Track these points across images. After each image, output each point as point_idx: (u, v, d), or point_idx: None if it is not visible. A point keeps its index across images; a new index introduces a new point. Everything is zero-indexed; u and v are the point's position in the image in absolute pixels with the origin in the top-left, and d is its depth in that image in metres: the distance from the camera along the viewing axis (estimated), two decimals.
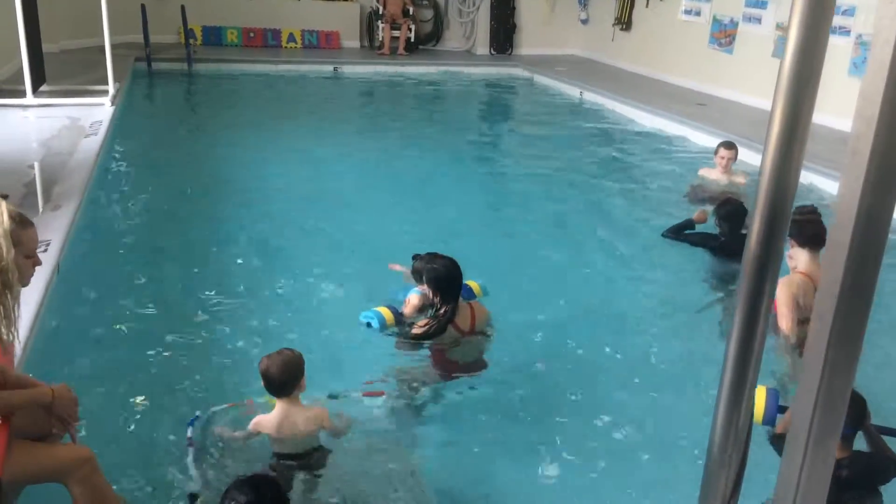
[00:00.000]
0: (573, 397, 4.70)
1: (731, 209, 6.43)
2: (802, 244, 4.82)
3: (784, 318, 4.62)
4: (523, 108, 14.49)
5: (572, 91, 14.26)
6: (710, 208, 6.90)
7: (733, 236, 6.18)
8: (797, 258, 4.86)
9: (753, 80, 12.58)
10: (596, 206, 8.34)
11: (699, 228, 6.88)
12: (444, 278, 4.63)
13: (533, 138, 11.56)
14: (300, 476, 3.72)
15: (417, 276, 4.79)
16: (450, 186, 8.99)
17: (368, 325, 4.93)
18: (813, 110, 1.24)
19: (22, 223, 3.08)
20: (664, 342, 5.39)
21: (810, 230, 4.76)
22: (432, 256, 4.75)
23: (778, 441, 3.24)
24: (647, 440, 4.30)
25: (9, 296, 3.02)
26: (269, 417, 3.73)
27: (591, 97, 13.72)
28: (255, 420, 3.77)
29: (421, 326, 4.71)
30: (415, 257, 4.92)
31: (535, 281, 6.35)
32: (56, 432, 3.32)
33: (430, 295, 4.70)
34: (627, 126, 12.15)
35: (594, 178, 9.40)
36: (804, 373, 1.19)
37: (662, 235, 7.03)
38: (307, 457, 3.77)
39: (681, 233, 6.89)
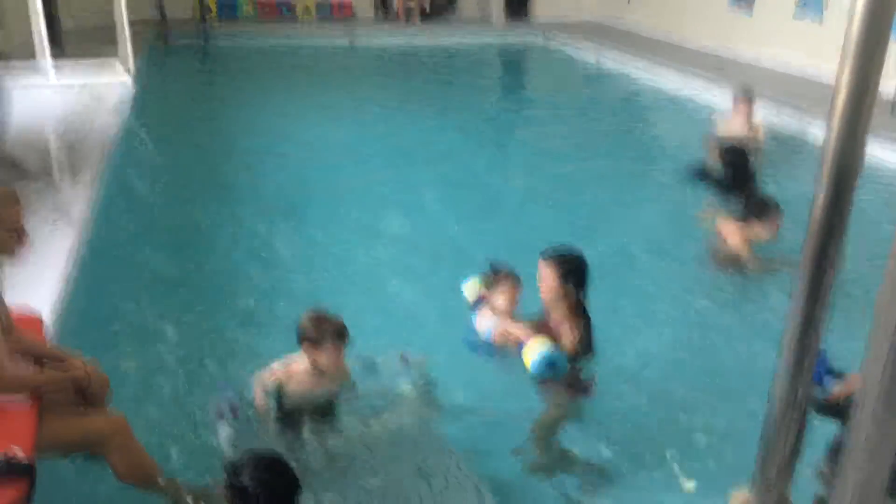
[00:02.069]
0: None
1: (736, 155, 6.65)
2: None
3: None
4: (539, 74, 14.36)
5: (588, 57, 14.10)
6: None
7: (738, 182, 6.49)
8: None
9: (773, 42, 12.38)
10: (618, 172, 8.27)
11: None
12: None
13: (549, 104, 11.46)
14: (312, 429, 3.74)
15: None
16: (465, 154, 8.93)
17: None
18: (880, 76, 1.20)
19: (3, 202, 3.05)
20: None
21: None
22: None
23: (825, 409, 3.18)
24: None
25: None
26: (300, 364, 3.72)
27: (607, 62, 13.56)
28: (285, 365, 3.76)
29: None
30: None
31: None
32: (84, 409, 3.34)
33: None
34: (645, 90, 12.02)
35: (613, 143, 9.33)
36: (872, 339, 1.16)
37: (686, 178, 7.18)
38: (324, 410, 3.80)
39: (696, 173, 7.08)
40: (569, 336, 3.81)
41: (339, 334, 3.63)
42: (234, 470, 2.78)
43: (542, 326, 3.93)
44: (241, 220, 6.75)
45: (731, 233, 5.78)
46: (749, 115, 8.17)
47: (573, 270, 3.89)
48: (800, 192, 7.58)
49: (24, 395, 3.03)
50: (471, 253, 6.25)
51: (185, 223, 6.64)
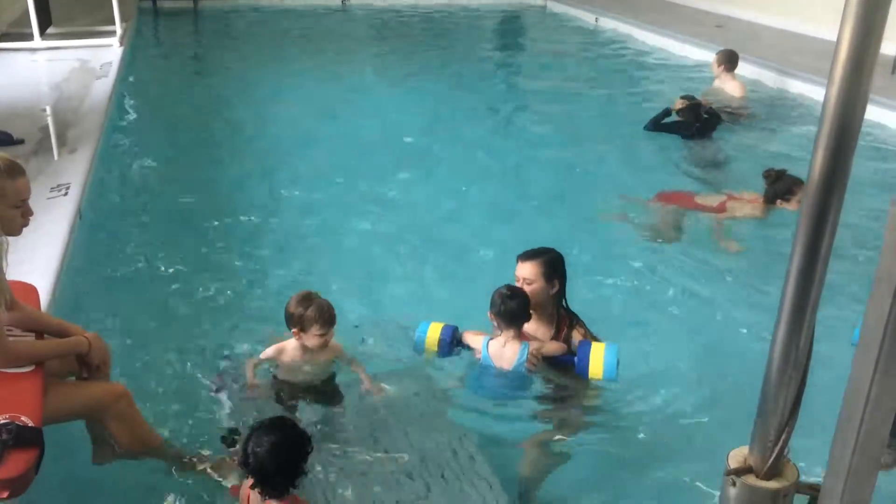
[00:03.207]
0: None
1: (691, 103, 7.69)
2: None
3: None
4: (537, 36, 14.22)
5: (587, 17, 13.96)
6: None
7: (701, 124, 7.59)
8: None
9: (773, 1, 12.26)
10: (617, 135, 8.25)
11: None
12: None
13: (548, 67, 11.37)
14: (309, 407, 3.76)
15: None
16: (461, 118, 8.89)
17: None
18: (882, 37, 1.19)
19: (10, 173, 2.96)
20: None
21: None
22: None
23: None
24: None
25: None
26: (290, 343, 3.75)
27: (606, 22, 13.43)
28: (275, 346, 3.78)
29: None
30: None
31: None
32: (86, 377, 3.36)
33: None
34: (645, 50, 11.92)
35: (612, 103, 9.28)
36: (875, 291, 1.17)
37: (645, 129, 7.86)
38: (320, 387, 3.82)
39: (659, 124, 7.82)
40: (580, 334, 3.84)
41: (325, 320, 3.63)
42: (248, 437, 2.78)
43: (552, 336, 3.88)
44: (239, 183, 6.74)
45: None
46: (731, 75, 8.88)
47: (556, 265, 3.88)
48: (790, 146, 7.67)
49: (28, 365, 3.05)
50: (467, 218, 6.27)
51: (182, 188, 6.62)
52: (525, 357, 3.71)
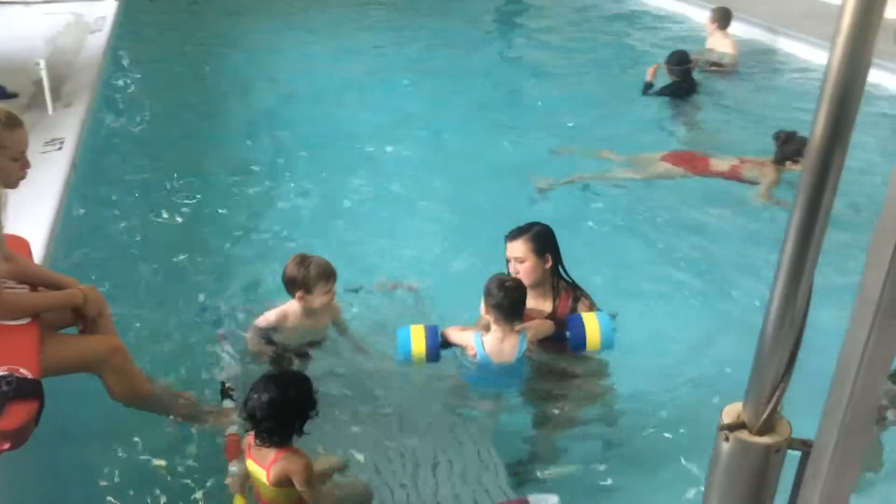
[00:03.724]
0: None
1: (681, 57, 7.85)
2: None
3: None
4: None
5: None
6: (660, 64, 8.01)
7: (688, 80, 7.81)
8: None
9: None
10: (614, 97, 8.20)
11: (663, 81, 7.87)
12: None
13: (541, 30, 11.24)
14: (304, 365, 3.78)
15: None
16: (456, 81, 8.80)
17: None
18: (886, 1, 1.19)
19: (9, 124, 2.95)
20: None
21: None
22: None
23: None
24: None
25: None
26: (291, 307, 3.75)
27: None
28: (277, 311, 3.76)
29: None
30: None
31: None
32: (81, 329, 3.37)
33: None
34: (639, 10, 11.81)
35: (609, 66, 9.22)
36: (873, 246, 1.17)
37: (643, 94, 7.91)
38: (314, 346, 3.83)
39: (649, 91, 7.90)
40: (585, 306, 3.70)
41: (328, 275, 3.63)
42: (251, 389, 2.80)
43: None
44: (234, 138, 6.71)
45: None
46: (724, 33, 9.00)
47: (546, 239, 3.73)
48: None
49: (25, 318, 3.05)
50: (464, 176, 6.24)
51: (177, 143, 6.60)
52: (525, 347, 3.52)
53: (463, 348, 3.57)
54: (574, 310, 3.72)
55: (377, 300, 4.33)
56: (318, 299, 3.65)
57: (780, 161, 6.02)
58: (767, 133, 6.26)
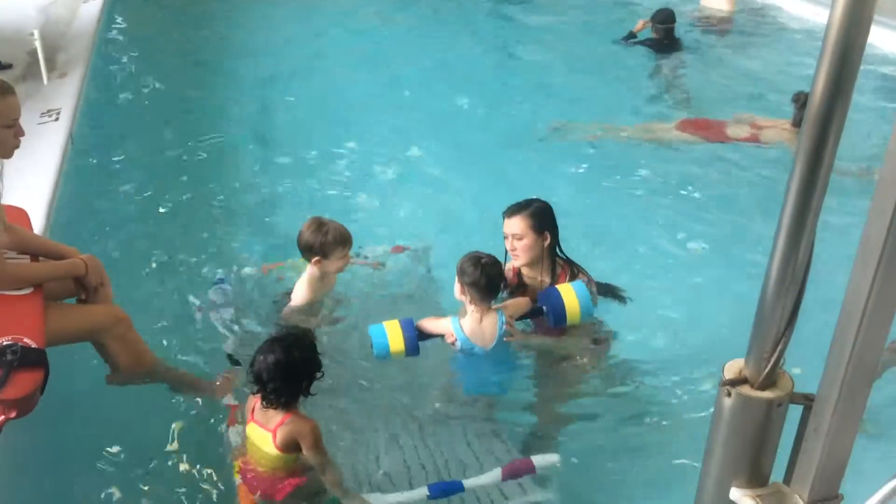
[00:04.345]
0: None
1: (666, 15, 7.92)
2: None
3: None
4: None
5: None
6: (648, 20, 8.11)
7: (670, 38, 7.88)
8: None
9: None
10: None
11: (644, 35, 8.09)
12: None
13: None
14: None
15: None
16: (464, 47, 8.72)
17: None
18: None
19: (1, 91, 2.92)
20: None
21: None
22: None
23: None
24: None
25: None
26: (308, 278, 3.72)
27: None
28: (301, 289, 3.72)
29: None
30: None
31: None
32: (84, 299, 3.38)
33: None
34: None
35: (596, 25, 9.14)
36: (877, 196, 1.17)
37: (616, 42, 8.13)
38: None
39: (630, 40, 8.15)
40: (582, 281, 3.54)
41: (346, 239, 3.62)
42: (257, 351, 2.81)
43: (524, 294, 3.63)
44: (231, 105, 6.66)
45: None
46: None
47: (545, 216, 3.59)
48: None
49: (27, 288, 3.06)
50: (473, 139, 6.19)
51: (174, 112, 6.56)
52: (503, 320, 3.38)
53: (441, 337, 3.41)
54: None
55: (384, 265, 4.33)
56: (334, 264, 3.65)
57: (799, 124, 5.86)
58: (753, 92, 6.19)
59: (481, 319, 3.36)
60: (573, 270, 3.66)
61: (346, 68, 7.68)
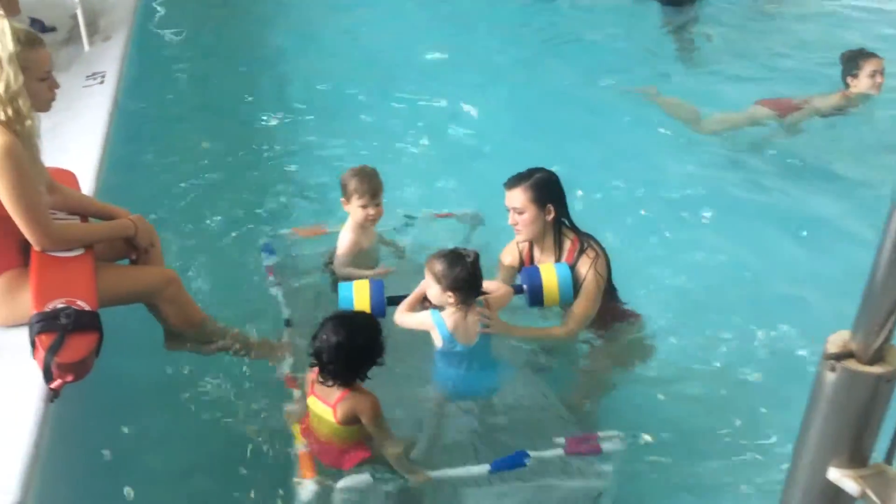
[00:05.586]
0: None
1: None
2: None
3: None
4: None
5: None
6: None
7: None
8: None
9: None
10: None
11: None
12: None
13: None
14: None
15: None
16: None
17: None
18: None
19: (29, 43, 2.86)
20: None
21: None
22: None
23: None
24: None
25: (26, 124, 2.83)
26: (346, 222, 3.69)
27: None
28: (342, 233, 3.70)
29: None
30: None
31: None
32: (134, 260, 3.36)
33: None
34: None
35: None
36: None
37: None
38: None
39: None
40: (586, 265, 3.34)
41: (364, 191, 3.55)
42: (319, 327, 2.77)
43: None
44: (280, 72, 6.57)
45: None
46: None
47: (546, 186, 3.38)
48: None
49: (78, 249, 3.03)
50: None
51: (219, 73, 6.52)
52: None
53: (422, 331, 3.14)
54: (577, 262, 3.40)
55: (427, 230, 4.25)
56: (355, 212, 3.60)
57: (843, 81, 5.56)
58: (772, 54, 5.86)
59: (466, 315, 3.07)
60: (583, 244, 3.43)
61: (392, 33, 7.51)
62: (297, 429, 2.94)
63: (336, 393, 2.76)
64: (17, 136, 2.78)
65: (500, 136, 5.59)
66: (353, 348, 2.71)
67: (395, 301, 3.23)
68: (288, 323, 3.49)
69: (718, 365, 3.76)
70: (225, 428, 3.28)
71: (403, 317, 3.17)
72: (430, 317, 3.09)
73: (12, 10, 5.48)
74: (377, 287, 3.23)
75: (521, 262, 3.57)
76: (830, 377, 1.39)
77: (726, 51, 6.97)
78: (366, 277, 3.40)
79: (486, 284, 3.20)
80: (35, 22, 6.37)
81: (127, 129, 5.24)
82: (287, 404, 3.09)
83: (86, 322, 2.66)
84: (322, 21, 7.77)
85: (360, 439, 2.83)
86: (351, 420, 2.76)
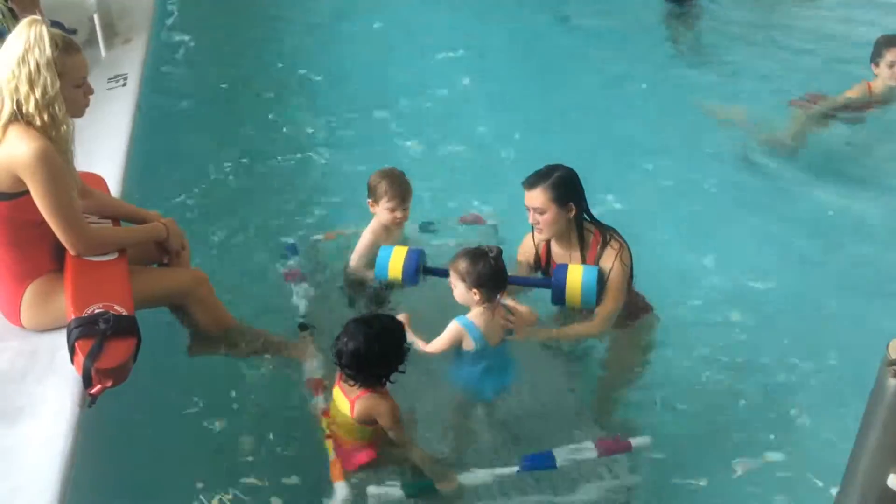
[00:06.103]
0: None
1: None
2: None
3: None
4: None
5: None
6: None
7: None
8: None
9: None
10: None
11: None
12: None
13: None
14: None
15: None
16: None
17: None
18: None
19: (66, 49, 2.87)
20: None
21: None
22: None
23: None
24: None
25: (62, 130, 2.83)
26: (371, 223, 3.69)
27: None
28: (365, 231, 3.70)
29: None
30: None
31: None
32: (166, 262, 3.38)
33: None
34: None
35: None
36: None
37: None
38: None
39: None
40: (611, 257, 3.33)
41: (392, 195, 3.56)
42: (343, 330, 2.77)
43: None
44: (304, 73, 6.56)
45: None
46: None
47: (568, 186, 3.35)
48: None
49: (112, 253, 3.04)
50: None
51: (242, 74, 6.51)
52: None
53: (453, 338, 3.06)
54: (601, 256, 3.39)
55: (455, 236, 4.23)
56: (382, 214, 3.60)
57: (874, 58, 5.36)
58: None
59: (493, 315, 3.08)
60: (605, 236, 3.43)
61: (411, 35, 7.49)
62: (324, 423, 2.94)
63: (357, 390, 2.78)
64: (52, 142, 2.79)
65: (518, 138, 5.56)
66: (370, 355, 2.70)
67: (433, 272, 3.25)
68: (303, 327, 3.49)
69: (740, 360, 3.77)
70: (251, 428, 3.28)
71: (432, 345, 3.07)
72: (456, 324, 3.05)
73: (31, 10, 5.47)
74: (413, 255, 3.29)
75: (538, 258, 3.59)
76: (893, 383, 1.39)
77: (730, 46, 6.94)
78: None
79: (514, 306, 3.22)
80: (55, 24, 6.40)
81: (151, 130, 5.26)
82: (316, 402, 3.09)
83: (124, 327, 2.67)
84: (340, 21, 7.77)
85: (372, 441, 2.84)
86: (366, 419, 2.78)
